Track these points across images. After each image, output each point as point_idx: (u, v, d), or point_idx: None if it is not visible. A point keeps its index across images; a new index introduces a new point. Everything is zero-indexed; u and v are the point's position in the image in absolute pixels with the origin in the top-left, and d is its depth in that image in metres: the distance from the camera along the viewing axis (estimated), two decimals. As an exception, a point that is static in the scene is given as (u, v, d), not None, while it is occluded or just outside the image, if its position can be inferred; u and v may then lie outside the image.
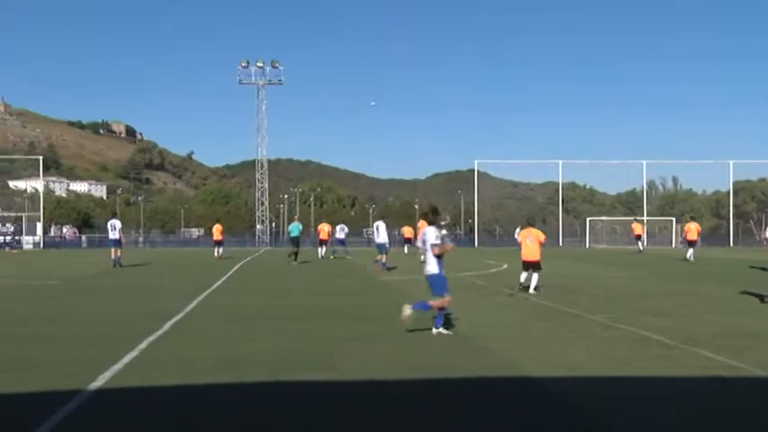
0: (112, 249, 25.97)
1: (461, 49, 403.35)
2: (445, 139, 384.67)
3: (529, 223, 17.55)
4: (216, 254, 32.54)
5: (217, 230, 33.53)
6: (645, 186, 70.92)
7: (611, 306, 13.16)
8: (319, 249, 33.75)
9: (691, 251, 31.36)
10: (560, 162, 62.83)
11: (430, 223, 10.32)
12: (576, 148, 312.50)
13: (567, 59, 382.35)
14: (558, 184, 65.35)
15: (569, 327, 10.51)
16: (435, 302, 9.65)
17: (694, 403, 6.16)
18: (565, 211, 68.89)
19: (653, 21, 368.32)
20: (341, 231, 33.41)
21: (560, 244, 58.34)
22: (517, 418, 5.73)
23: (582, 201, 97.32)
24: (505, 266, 26.07)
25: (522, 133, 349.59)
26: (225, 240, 36.20)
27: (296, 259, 28.75)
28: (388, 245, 25.50)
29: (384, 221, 27.22)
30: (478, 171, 65.39)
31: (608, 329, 10.17)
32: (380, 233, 25.85)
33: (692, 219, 43.15)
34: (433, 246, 9.72)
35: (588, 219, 59.01)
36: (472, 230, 66.21)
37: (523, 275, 15.73)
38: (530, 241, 15.75)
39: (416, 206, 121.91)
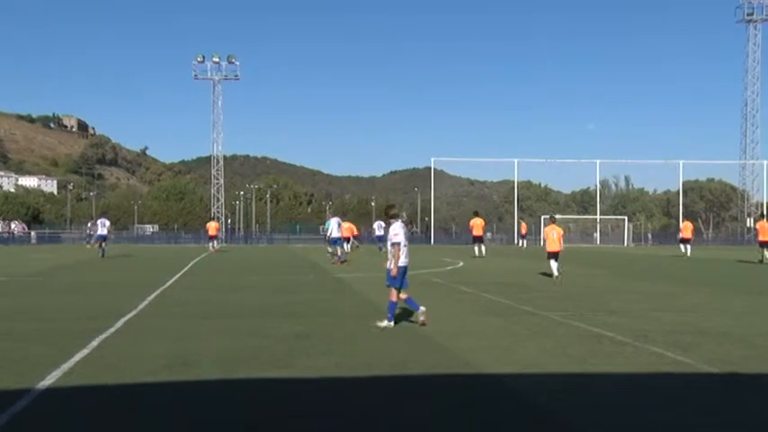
0: (100, 242, 30.87)
1: (417, 47, 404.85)
2: (402, 137, 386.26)
3: (552, 219, 20.55)
4: (211, 247, 38.22)
5: (211, 227, 39.61)
6: (598, 185, 72.22)
7: (566, 303, 13.34)
8: None
9: (686, 247, 33.94)
10: (516, 161, 63.62)
11: (391, 219, 10.54)
12: (532, 147, 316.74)
13: (521, 59, 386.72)
14: (514, 182, 66.10)
15: (524, 324, 10.62)
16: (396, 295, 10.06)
17: (649, 398, 6.27)
18: (520, 209, 69.66)
19: (605, 21, 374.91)
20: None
21: (516, 242, 59.01)
22: (475, 415, 5.76)
23: (537, 199, 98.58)
24: (461, 264, 26.27)
25: (479, 132, 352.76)
26: (181, 237, 40.08)
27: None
28: (341, 240, 27.46)
29: (338, 218, 28.52)
30: (435, 169, 65.87)
31: (562, 326, 10.30)
32: (333, 229, 27.12)
33: (687, 218, 45.51)
34: (395, 244, 10.05)
35: (543, 217, 59.76)
36: (428, 228, 66.55)
37: (554, 265, 18.57)
38: (555, 235, 18.91)
39: (373, 203, 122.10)
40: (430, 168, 65.18)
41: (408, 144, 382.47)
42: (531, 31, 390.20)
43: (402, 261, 10.06)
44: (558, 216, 25.31)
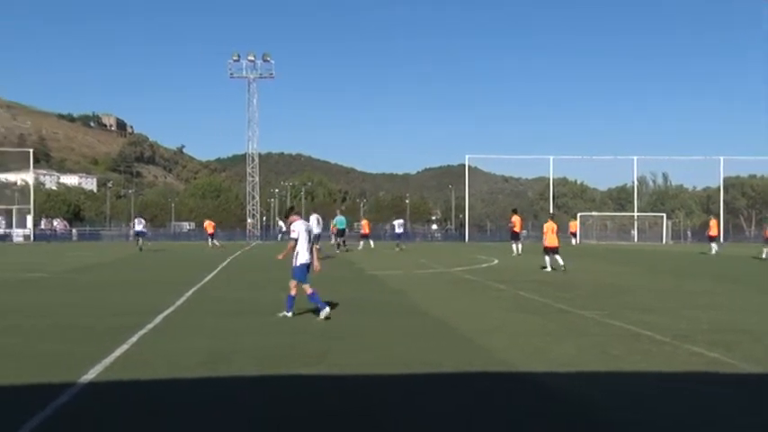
0: (139, 239, 35.77)
1: (451, 44, 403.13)
2: (436, 134, 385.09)
3: (551, 216, 22.49)
4: (211, 244, 39.88)
5: (209, 226, 42.26)
6: (635, 182, 71.16)
7: (601, 301, 13.20)
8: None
9: (714, 245, 33.75)
10: (551, 158, 62.98)
11: (292, 217, 11.19)
12: (568, 143, 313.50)
13: (559, 55, 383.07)
14: (549, 179, 65.50)
15: (559, 322, 10.54)
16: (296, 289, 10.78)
17: (689, 398, 6.18)
18: (555, 206, 68.99)
19: (646, 18, 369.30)
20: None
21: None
22: (512, 413, 5.74)
23: (573, 196, 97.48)
24: (496, 261, 26.13)
25: (514, 128, 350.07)
26: (217, 234, 42.38)
27: (344, 245, 33.26)
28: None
29: (317, 215, 29.37)
30: (469, 166, 65.45)
31: (598, 325, 10.19)
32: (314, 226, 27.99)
33: (715, 216, 45.08)
34: (291, 239, 10.90)
35: (579, 214, 59.12)
36: (463, 225, 66.27)
37: (550, 259, 20.58)
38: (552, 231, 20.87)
39: (407, 201, 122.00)
40: (464, 165, 64.90)
41: (442, 141, 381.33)
42: (565, 25, 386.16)
43: (305, 257, 10.73)
44: (594, 213, 25.69)
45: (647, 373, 7.12)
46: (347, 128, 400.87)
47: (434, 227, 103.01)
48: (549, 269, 20.33)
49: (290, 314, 10.76)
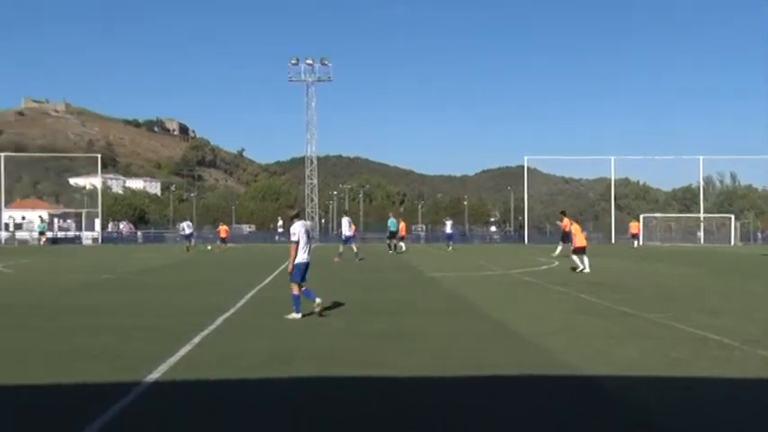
0: (189, 241, 39.47)
1: (508, 43, 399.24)
2: (494, 136, 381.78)
3: (569, 217, 24.24)
4: (219, 247, 41.27)
5: (222, 230, 43.90)
6: (701, 182, 69.14)
7: (665, 304, 12.87)
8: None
9: None
10: (612, 158, 61.78)
11: (292, 220, 11.36)
12: (630, 143, 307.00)
13: (617, 53, 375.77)
14: (611, 180, 64.25)
15: (622, 324, 10.31)
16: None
17: (758, 407, 5.97)
18: (617, 207, 67.60)
19: (705, 14, 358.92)
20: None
21: (612, 241, 57.37)
22: (575, 417, 5.64)
23: (635, 197, 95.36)
24: (556, 264, 25.75)
25: (573, 128, 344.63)
26: (275, 237, 43.34)
27: (395, 249, 33.79)
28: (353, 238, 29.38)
29: (348, 218, 30.22)
30: (528, 167, 64.70)
31: (662, 328, 9.94)
32: (344, 227, 29.23)
33: None
34: (292, 242, 11.04)
35: (642, 216, 57.77)
36: (522, 227, 65.56)
37: (584, 259, 20.95)
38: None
39: (465, 202, 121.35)
40: (523, 167, 64.24)
41: (500, 142, 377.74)
42: (628, 25, 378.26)
43: (302, 258, 10.87)
44: (657, 215, 25.25)
45: (712, 379, 6.90)
46: (405, 130, 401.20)
47: (493, 228, 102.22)
48: (583, 268, 20.67)
49: (299, 315, 10.84)
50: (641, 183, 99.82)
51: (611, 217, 61.86)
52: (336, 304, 12.57)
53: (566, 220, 31.73)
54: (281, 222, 46.86)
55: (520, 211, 75.97)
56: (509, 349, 8.36)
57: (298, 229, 10.97)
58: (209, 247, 42.62)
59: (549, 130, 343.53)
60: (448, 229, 42.35)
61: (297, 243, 10.89)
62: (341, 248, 28.44)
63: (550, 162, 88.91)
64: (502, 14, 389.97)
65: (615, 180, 64.69)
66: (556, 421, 5.55)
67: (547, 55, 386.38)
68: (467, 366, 7.40)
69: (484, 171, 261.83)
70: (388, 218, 36.88)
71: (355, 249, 28.40)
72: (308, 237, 11.17)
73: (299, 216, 11.44)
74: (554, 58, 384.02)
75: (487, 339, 9.07)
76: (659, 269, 23.26)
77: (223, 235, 43.23)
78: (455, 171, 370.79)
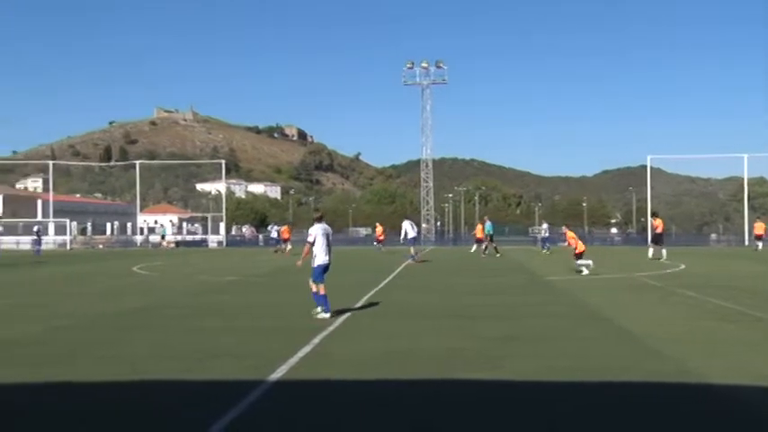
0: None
1: (627, 39, 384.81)
2: (615, 135, 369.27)
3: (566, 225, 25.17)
4: (281, 250, 40.15)
5: (285, 231, 42.14)
6: None
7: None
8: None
9: None
10: (745, 156, 58.37)
11: (315, 222, 11.74)
12: (763, 140, 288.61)
13: (742, 45, 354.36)
14: (743, 179, 60.73)
15: (758, 331, 9.72)
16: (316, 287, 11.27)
17: None
18: (751, 208, 63.78)
19: None
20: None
21: (746, 243, 54.13)
22: (705, 428, 5.36)
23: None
24: (683, 267, 24.60)
25: (699, 125, 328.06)
26: (391, 240, 43.27)
27: (496, 251, 34.21)
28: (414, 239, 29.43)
29: (409, 220, 30.15)
30: (651, 167, 62.14)
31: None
32: (408, 230, 29.16)
33: None
34: (307, 243, 11.53)
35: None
36: (645, 229, 63.05)
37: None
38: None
39: (584, 204, 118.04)
40: (645, 166, 61.78)
41: (621, 142, 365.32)
42: (752, 15, 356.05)
43: (322, 259, 11.27)
44: None
45: None
46: (521, 131, 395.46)
47: (614, 230, 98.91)
48: (585, 271, 20.73)
49: (327, 315, 11.12)
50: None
51: (743, 218, 58.45)
52: (450, 306, 12.51)
53: (658, 221, 30.51)
54: (276, 227, 46.02)
55: (643, 212, 73.11)
56: (629, 354, 8.06)
57: (315, 232, 11.41)
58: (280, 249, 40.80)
59: (671, 128, 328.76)
60: (544, 233, 41.90)
61: (311, 244, 11.35)
62: (412, 251, 28.86)
63: (675, 161, 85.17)
64: (615, 11, 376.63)
65: (749, 179, 61.08)
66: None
67: (668, 48, 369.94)
68: (583, 371, 7.18)
69: (603, 172, 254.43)
70: (484, 222, 36.32)
71: (413, 252, 28.83)
72: (327, 239, 11.53)
73: (320, 219, 11.82)
74: (676, 50, 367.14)
75: (607, 343, 8.78)
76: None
77: (286, 236, 41.42)
78: (573, 172, 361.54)
